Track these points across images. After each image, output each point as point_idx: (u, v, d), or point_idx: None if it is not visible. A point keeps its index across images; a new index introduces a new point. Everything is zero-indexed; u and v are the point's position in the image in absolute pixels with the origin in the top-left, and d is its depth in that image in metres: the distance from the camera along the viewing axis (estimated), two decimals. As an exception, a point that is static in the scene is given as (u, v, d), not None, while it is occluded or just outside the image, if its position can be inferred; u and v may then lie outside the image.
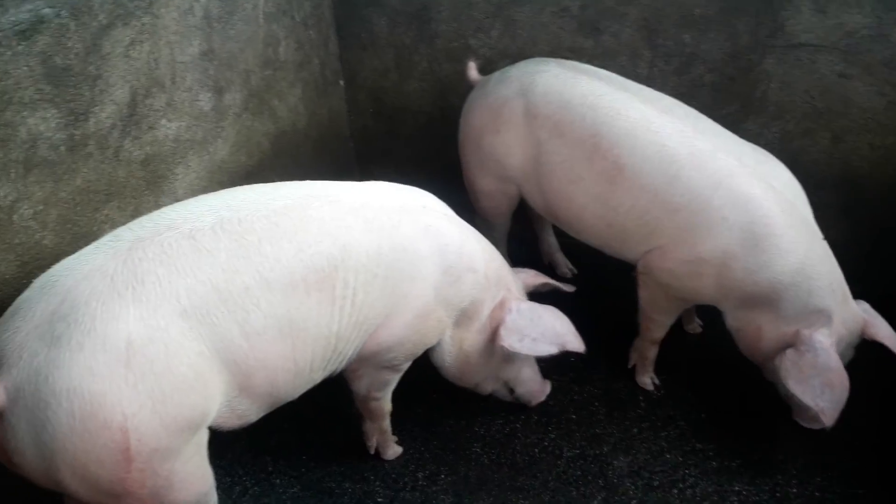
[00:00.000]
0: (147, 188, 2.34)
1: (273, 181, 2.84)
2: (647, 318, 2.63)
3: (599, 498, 2.35)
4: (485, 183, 2.78)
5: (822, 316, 2.26)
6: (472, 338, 2.23)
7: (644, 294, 2.57)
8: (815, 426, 2.27)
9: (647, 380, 2.74)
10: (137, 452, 1.57)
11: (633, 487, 2.38)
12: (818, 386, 2.17)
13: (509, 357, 2.35)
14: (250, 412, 1.85)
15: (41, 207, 2.00)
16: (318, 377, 1.95)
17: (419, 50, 3.18)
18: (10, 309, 1.66)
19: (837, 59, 2.69)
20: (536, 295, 2.44)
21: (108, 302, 1.57)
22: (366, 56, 3.27)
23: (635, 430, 2.58)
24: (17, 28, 1.83)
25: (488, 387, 2.44)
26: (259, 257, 1.72)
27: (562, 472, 2.44)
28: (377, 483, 2.42)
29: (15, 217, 1.94)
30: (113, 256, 1.64)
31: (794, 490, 2.37)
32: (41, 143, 1.96)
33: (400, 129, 3.41)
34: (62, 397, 1.51)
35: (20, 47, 1.85)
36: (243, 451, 2.50)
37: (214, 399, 1.71)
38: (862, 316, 2.33)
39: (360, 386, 2.22)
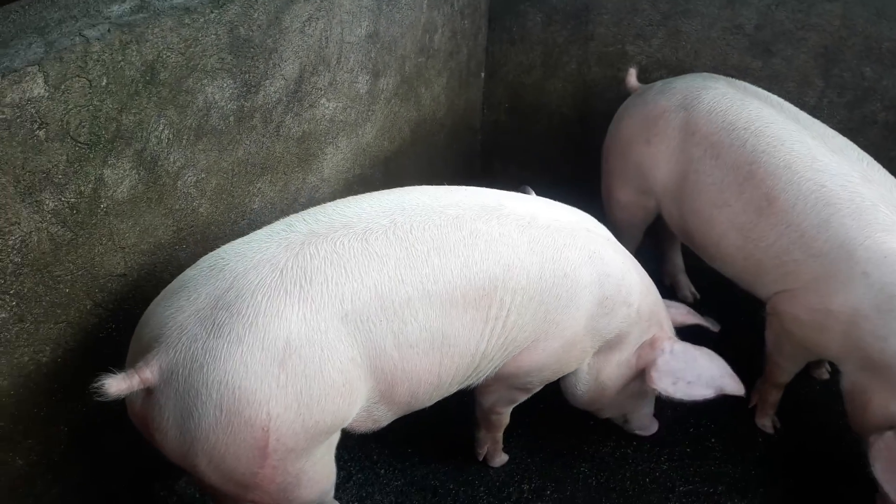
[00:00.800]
0: (298, 165, 2.35)
1: (406, 168, 2.91)
2: (772, 361, 2.51)
3: (710, 541, 2.28)
4: (623, 193, 2.70)
5: None
6: (611, 370, 2.16)
7: (770, 336, 2.46)
8: None
9: (769, 422, 2.63)
10: (274, 451, 1.58)
11: (745, 535, 2.31)
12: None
13: (641, 393, 2.29)
14: (385, 418, 1.85)
15: (203, 175, 2.03)
16: (454, 390, 1.93)
17: (570, 50, 3.10)
18: (175, 284, 1.67)
19: None
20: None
21: (275, 297, 1.57)
22: (513, 51, 3.21)
23: (753, 472, 2.48)
24: (212, -3, 1.85)
25: (607, 414, 2.39)
26: (426, 269, 1.69)
27: (672, 508, 2.37)
28: (482, 489, 2.40)
29: (179, 183, 1.97)
30: (286, 248, 1.63)
31: None
32: (214, 111, 1.98)
33: (532, 128, 3.35)
34: (213, 389, 1.52)
35: (212, 15, 1.87)
36: (350, 436, 2.50)
37: (356, 405, 1.71)
38: None
39: (487, 400, 2.19)
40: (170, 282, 1.72)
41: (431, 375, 1.78)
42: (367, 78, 2.53)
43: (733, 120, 2.34)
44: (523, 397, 2.19)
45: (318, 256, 1.62)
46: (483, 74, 3.32)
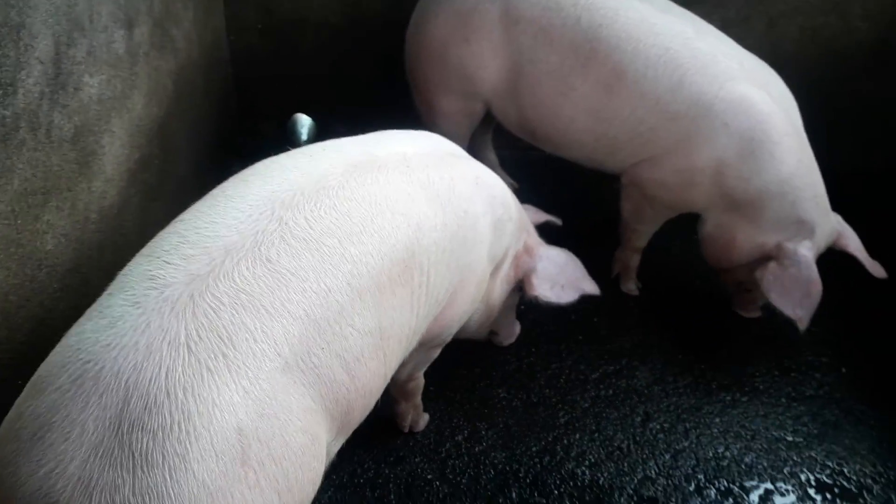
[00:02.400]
0: (80, 173, 1.76)
1: (179, 134, 2.35)
2: (629, 228, 2.57)
3: (641, 411, 2.33)
4: (447, 103, 2.46)
5: (804, 227, 2.27)
6: (497, 288, 2.02)
7: (627, 206, 2.49)
8: (749, 314, 2.59)
9: (633, 286, 2.71)
10: None
11: (662, 393, 2.39)
12: (798, 297, 2.23)
13: (512, 304, 2.23)
14: (336, 449, 1.52)
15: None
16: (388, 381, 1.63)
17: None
18: (22, 426, 1.11)
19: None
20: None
21: (199, 385, 1.11)
22: (252, -38, 2.70)
23: (642, 337, 2.57)
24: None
25: (485, 331, 2.23)
26: (345, 265, 1.34)
27: (595, 396, 2.37)
28: (417, 459, 2.18)
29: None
30: (172, 312, 1.15)
31: (761, 385, 2.47)
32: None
33: (295, 50, 2.91)
34: None
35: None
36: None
37: (325, 454, 1.36)
38: (837, 228, 2.39)
39: (404, 371, 1.94)
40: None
41: (379, 378, 1.48)
42: (123, 33, 1.94)
43: None
44: (438, 353, 1.99)
45: (225, 305, 1.18)
46: (221, -5, 2.76)
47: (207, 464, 1.09)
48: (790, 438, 2.31)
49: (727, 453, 2.25)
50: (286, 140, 3.16)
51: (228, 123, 2.97)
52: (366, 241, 1.39)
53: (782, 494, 2.16)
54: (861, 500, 2.17)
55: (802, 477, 2.21)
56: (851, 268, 2.41)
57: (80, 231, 1.76)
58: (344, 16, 2.81)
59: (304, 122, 3.16)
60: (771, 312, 2.38)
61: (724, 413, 2.36)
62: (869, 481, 2.22)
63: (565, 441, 2.24)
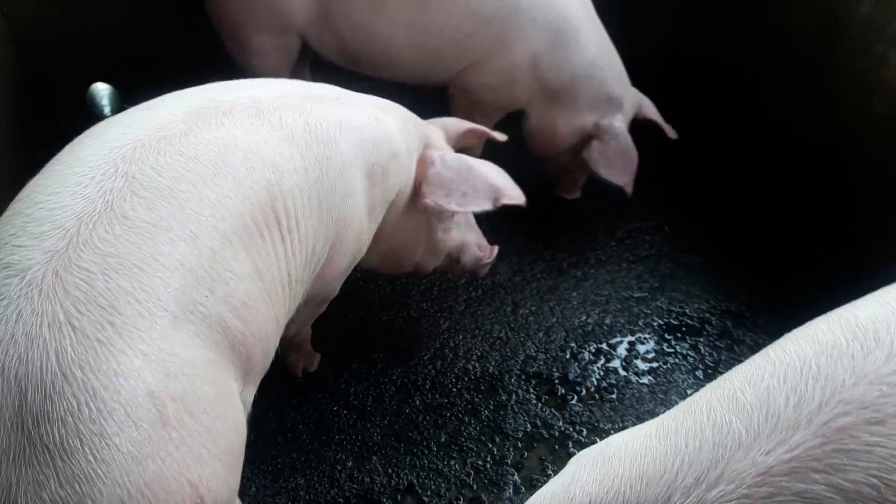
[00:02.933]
0: None
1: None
2: None
3: (510, 301, 2.54)
4: (260, 41, 2.42)
5: (613, 104, 2.54)
6: (399, 218, 1.94)
7: (457, 114, 2.61)
8: (572, 196, 2.87)
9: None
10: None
11: (523, 282, 2.60)
12: (622, 166, 2.53)
13: (446, 224, 2.09)
14: (251, 398, 1.51)
15: None
16: (281, 333, 1.59)
17: None
18: None
19: None
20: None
21: (94, 359, 1.08)
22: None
23: (495, 237, 2.75)
24: None
25: (430, 264, 2.17)
26: (207, 208, 1.29)
27: (468, 298, 2.54)
28: (320, 396, 2.23)
29: None
30: (41, 295, 1.09)
31: (602, 257, 2.82)
32: None
33: (83, 12, 2.70)
34: None
35: None
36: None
37: (239, 403, 1.35)
38: (637, 100, 2.68)
39: (292, 327, 1.93)
40: None
41: (271, 322, 1.46)
42: None
43: None
44: (324, 308, 1.96)
45: (95, 273, 1.13)
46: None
47: (129, 434, 1.07)
48: (637, 295, 2.62)
49: (589, 320, 2.52)
50: (90, 115, 2.96)
51: (24, 107, 2.71)
52: (221, 183, 1.32)
53: (643, 343, 2.47)
54: (705, 332, 2.53)
55: (654, 325, 2.53)
56: (652, 138, 2.73)
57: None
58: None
59: (104, 91, 2.95)
60: (594, 192, 2.66)
61: (578, 287, 2.63)
62: (707, 315, 2.59)
63: (451, 343, 2.39)
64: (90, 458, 1.03)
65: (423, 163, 1.94)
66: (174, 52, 2.88)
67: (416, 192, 1.93)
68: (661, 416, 1.17)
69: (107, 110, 2.96)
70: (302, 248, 1.52)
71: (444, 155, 1.96)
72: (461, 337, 2.42)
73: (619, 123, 2.54)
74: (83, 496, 1.02)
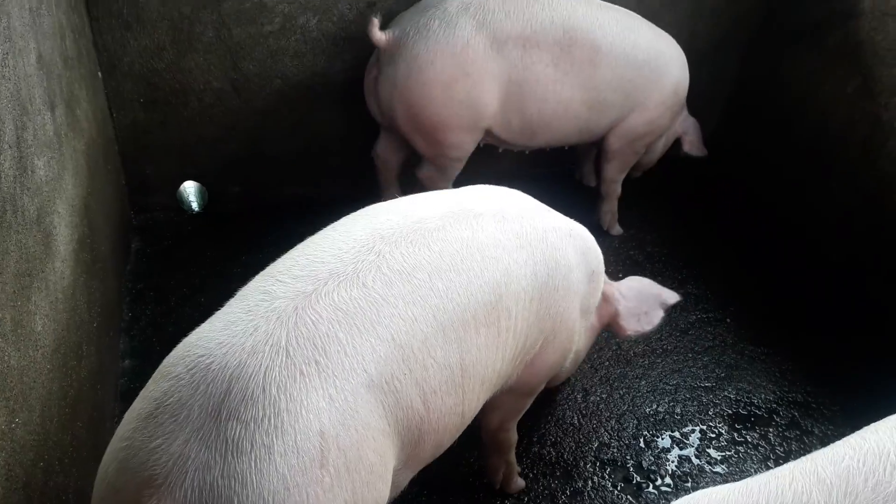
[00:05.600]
0: (45, 254, 1.75)
1: (98, 212, 2.33)
2: (612, 182, 3.15)
3: (580, 388, 2.60)
4: (457, 135, 2.68)
5: (683, 104, 3.10)
6: (584, 338, 2.09)
7: (614, 165, 3.05)
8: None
9: (619, 227, 3.30)
10: None
11: (592, 369, 2.67)
12: (700, 140, 3.24)
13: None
14: (406, 481, 1.60)
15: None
16: (468, 422, 1.69)
17: (201, 18, 2.76)
18: (144, 405, 1.24)
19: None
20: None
21: (290, 385, 1.23)
22: (130, 36, 2.73)
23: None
24: None
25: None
26: (433, 298, 1.46)
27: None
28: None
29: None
30: (278, 320, 1.28)
31: (668, 347, 2.89)
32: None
33: (181, 115, 2.95)
34: None
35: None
36: None
37: (391, 481, 1.45)
38: None
39: (494, 418, 2.02)
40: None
41: (455, 416, 1.56)
42: (49, 115, 1.94)
43: (524, 9, 2.58)
44: (529, 403, 2.06)
45: (323, 319, 1.30)
46: (100, 73, 2.75)
47: (289, 459, 1.19)
48: (705, 385, 2.67)
49: (660, 408, 2.57)
50: (179, 208, 3.17)
51: (123, 198, 2.94)
52: (454, 278, 1.49)
53: (714, 432, 2.51)
54: (773, 423, 2.56)
55: (724, 414, 2.57)
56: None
57: (54, 311, 1.74)
58: (226, 79, 2.90)
59: (192, 188, 3.19)
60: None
61: (646, 376, 2.69)
62: (774, 405, 2.62)
63: (525, 429, 2.43)
64: (253, 463, 1.17)
65: (608, 300, 2.11)
66: (259, 155, 3.12)
67: (603, 323, 2.15)
68: (747, 480, 1.24)
69: (195, 205, 3.19)
70: (514, 344, 1.67)
71: (620, 288, 2.16)
72: (534, 422, 2.48)
73: (688, 115, 3.19)
74: (233, 493, 1.16)
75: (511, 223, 1.68)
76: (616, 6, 2.81)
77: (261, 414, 1.19)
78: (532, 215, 1.75)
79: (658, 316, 2.13)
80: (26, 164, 1.66)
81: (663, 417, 2.54)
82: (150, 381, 1.29)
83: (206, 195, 3.18)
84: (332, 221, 1.59)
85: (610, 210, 3.26)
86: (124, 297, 2.71)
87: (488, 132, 2.75)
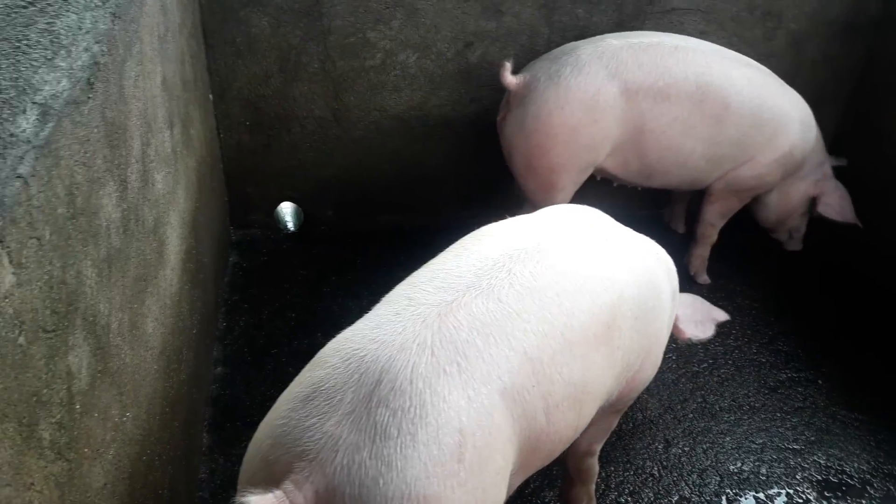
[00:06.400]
0: (157, 261, 1.84)
1: (205, 226, 2.44)
2: (710, 226, 3.10)
3: (661, 438, 2.53)
4: (566, 178, 2.73)
5: (822, 163, 3.05)
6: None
7: (715, 208, 3.02)
8: (797, 248, 3.27)
9: (707, 276, 3.22)
10: None
11: (675, 420, 2.60)
12: (849, 209, 3.07)
13: None
14: (515, 486, 1.63)
15: (121, 315, 1.47)
16: (577, 436, 1.73)
17: (308, 49, 2.88)
18: (300, 389, 1.34)
19: (699, 19, 3.12)
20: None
21: (434, 381, 1.31)
22: (241, 63, 2.86)
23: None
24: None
25: None
26: (562, 317, 1.52)
27: (618, 431, 2.55)
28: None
29: (110, 337, 1.41)
30: (423, 323, 1.37)
31: (756, 404, 2.79)
32: (112, 230, 1.43)
33: (283, 140, 3.07)
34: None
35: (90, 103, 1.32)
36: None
37: (507, 484, 1.49)
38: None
39: (585, 438, 2.03)
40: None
41: (570, 430, 1.62)
42: (168, 133, 2.05)
43: (666, 64, 2.62)
44: (616, 422, 2.10)
45: (463, 326, 1.38)
46: (211, 96, 2.90)
47: (430, 449, 1.26)
48: (793, 447, 2.56)
49: (745, 467, 2.48)
50: (276, 228, 3.29)
51: (224, 214, 3.06)
52: (579, 298, 1.56)
53: (802, 497, 2.40)
54: (867, 494, 2.43)
55: (813, 480, 2.46)
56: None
57: (163, 315, 1.82)
58: (328, 108, 3.00)
59: (289, 209, 3.29)
60: (744, 337, 2.69)
61: (731, 432, 2.60)
62: (868, 476, 2.49)
63: (603, 474, 2.40)
64: (398, 448, 1.24)
65: None
66: (353, 182, 3.20)
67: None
68: None
69: (290, 225, 3.29)
70: (624, 361, 1.73)
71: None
72: (612, 469, 2.43)
73: (832, 179, 3.06)
74: (379, 474, 1.22)
75: (615, 245, 1.76)
76: (749, 60, 2.81)
77: (408, 404, 1.27)
78: (628, 237, 1.84)
79: (711, 329, 2.16)
80: (148, 178, 1.76)
81: (748, 477, 2.44)
82: (305, 369, 1.40)
83: (301, 216, 3.29)
84: (421, 249, 1.64)
85: (701, 255, 3.19)
86: (220, 308, 2.81)
87: (604, 169, 2.79)
